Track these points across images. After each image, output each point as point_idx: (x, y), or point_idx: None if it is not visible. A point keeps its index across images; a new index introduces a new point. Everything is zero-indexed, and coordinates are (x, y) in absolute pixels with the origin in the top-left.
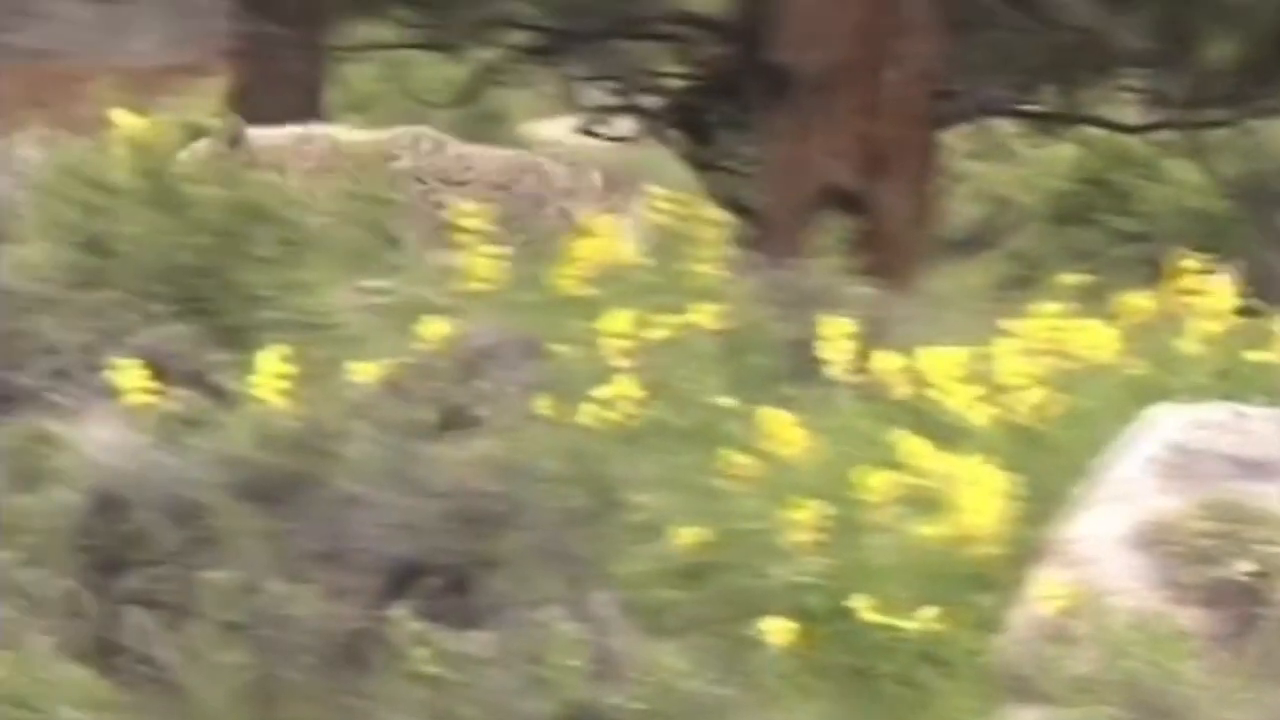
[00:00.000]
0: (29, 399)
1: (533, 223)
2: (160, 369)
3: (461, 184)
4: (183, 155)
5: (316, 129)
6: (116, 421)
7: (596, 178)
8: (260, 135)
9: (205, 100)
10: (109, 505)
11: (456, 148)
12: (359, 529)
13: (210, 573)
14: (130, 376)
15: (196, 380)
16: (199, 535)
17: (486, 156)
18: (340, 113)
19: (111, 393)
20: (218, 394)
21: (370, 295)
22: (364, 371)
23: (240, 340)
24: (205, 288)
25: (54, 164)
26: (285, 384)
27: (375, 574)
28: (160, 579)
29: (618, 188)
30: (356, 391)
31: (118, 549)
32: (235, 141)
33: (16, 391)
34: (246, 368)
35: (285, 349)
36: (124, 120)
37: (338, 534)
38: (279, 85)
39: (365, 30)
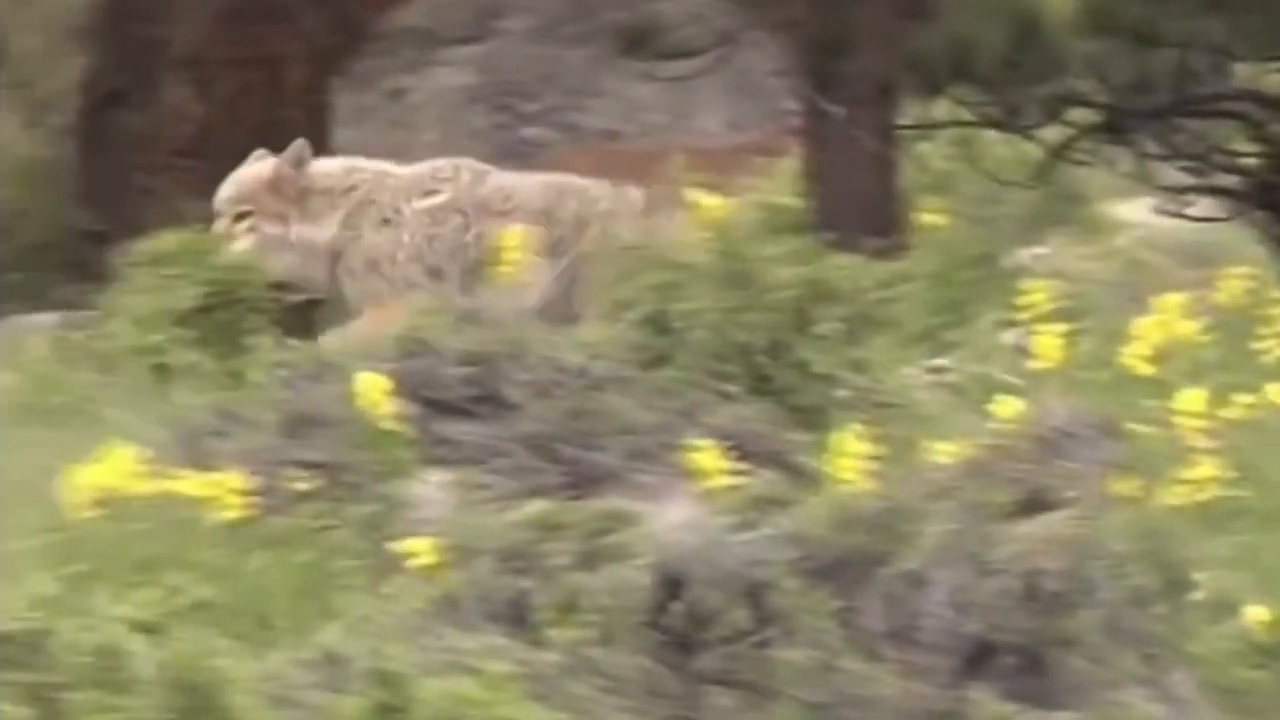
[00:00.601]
0: (608, 478)
1: (575, 247)
2: (738, 449)
3: (503, 214)
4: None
5: (363, 161)
6: (692, 501)
7: (638, 198)
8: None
9: (776, 180)
10: (675, 584)
11: (497, 178)
12: (929, 608)
13: (785, 652)
14: (709, 457)
15: (774, 460)
16: (767, 614)
17: (526, 184)
18: (920, 193)
19: (690, 473)
20: (796, 474)
21: (938, 374)
22: (944, 452)
23: (812, 420)
24: (772, 366)
25: (620, 243)
26: (865, 464)
27: (947, 653)
28: (735, 658)
29: (660, 206)
30: (937, 472)
31: (688, 628)
32: (300, 164)
33: (595, 470)
34: (822, 447)
35: (861, 429)
36: (701, 200)
37: (908, 613)
38: (852, 165)
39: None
